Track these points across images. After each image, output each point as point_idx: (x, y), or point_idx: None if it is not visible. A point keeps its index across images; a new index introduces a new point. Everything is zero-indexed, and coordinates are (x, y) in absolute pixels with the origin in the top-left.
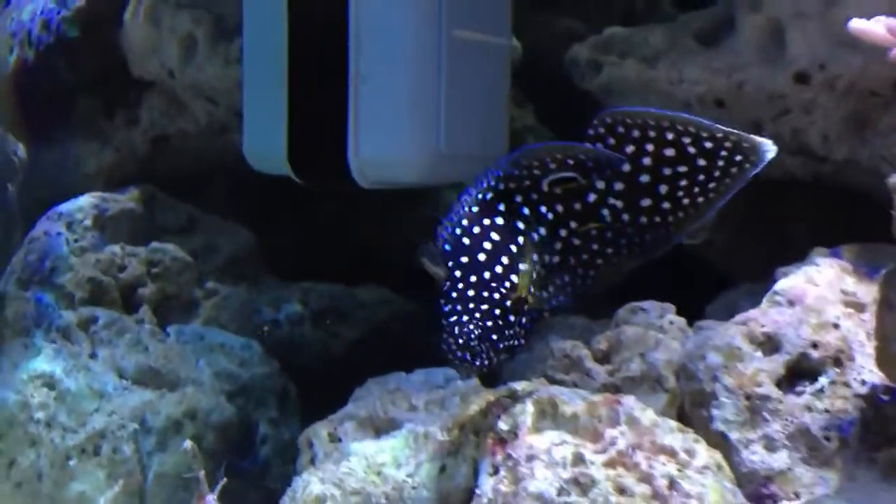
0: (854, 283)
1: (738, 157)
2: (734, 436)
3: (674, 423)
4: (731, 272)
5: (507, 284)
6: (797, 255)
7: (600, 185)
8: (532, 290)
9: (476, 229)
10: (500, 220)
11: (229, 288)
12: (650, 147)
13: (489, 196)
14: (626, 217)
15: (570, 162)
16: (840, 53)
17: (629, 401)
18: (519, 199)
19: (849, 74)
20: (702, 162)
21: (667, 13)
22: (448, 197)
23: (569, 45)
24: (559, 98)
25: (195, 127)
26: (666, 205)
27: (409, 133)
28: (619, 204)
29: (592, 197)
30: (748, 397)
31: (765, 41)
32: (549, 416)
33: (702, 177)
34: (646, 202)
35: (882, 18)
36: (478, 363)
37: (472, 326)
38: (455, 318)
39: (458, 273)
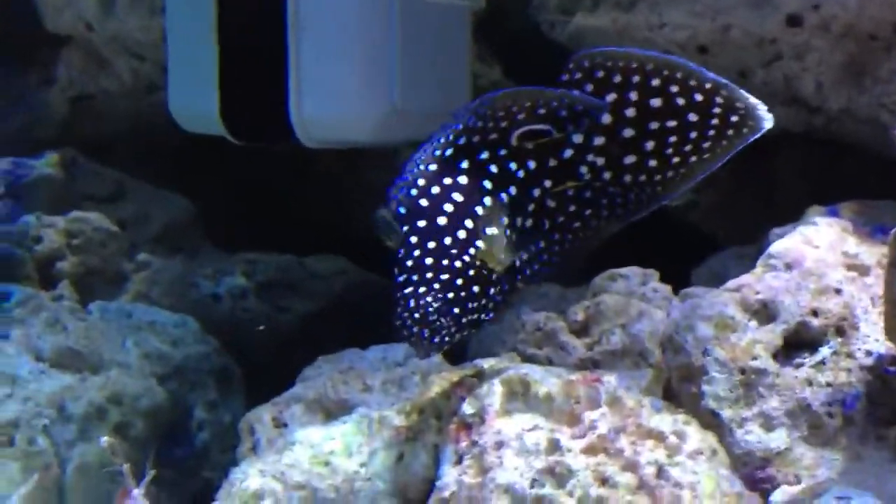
0: (856, 244)
1: (734, 119)
2: (727, 414)
3: (661, 403)
4: (716, 235)
5: (472, 251)
6: (788, 216)
7: (578, 138)
8: (502, 257)
9: (435, 190)
10: (462, 179)
11: (163, 260)
12: (634, 96)
13: (449, 152)
14: (607, 175)
15: (542, 111)
16: None
17: (611, 379)
18: (485, 155)
19: (845, 15)
20: (693, 117)
21: None
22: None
23: None
24: (529, 52)
25: (120, 86)
26: (653, 162)
27: (358, 86)
28: (600, 161)
29: (569, 152)
30: (742, 371)
31: None
32: (520, 397)
33: (694, 133)
34: (630, 159)
35: None
36: (437, 340)
37: (429, 299)
38: (410, 289)
39: (414, 239)
